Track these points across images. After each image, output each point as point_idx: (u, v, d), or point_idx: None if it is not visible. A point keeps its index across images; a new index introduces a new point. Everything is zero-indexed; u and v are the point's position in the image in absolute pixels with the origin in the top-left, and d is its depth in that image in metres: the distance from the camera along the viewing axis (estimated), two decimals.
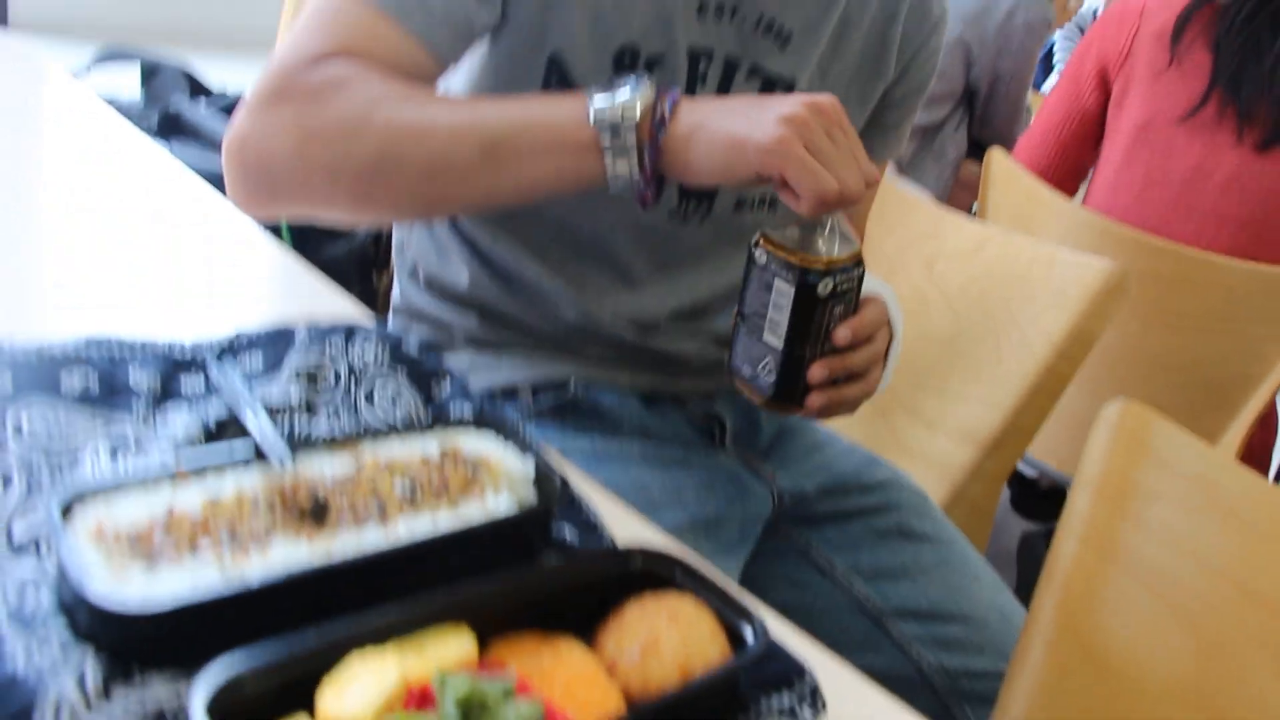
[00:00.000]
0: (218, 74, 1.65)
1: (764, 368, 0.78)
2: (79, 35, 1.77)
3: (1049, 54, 3.08)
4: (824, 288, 0.74)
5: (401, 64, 0.77)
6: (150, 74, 1.50)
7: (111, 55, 1.55)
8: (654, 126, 0.72)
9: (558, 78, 0.84)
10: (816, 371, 0.77)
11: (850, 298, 0.76)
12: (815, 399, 0.78)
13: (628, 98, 0.72)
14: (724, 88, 0.89)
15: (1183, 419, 1.65)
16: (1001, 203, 1.68)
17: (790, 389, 0.78)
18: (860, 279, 0.77)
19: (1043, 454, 1.75)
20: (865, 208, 1.09)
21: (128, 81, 1.58)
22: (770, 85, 0.90)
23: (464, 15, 0.79)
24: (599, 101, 0.73)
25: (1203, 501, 0.80)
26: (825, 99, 0.73)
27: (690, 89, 0.87)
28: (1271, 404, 1.89)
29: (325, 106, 0.73)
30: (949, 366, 1.20)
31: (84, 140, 1.17)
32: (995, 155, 1.68)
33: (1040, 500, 2.19)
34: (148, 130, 1.38)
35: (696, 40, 0.86)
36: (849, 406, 0.82)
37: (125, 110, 1.45)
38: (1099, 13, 2.95)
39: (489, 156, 0.74)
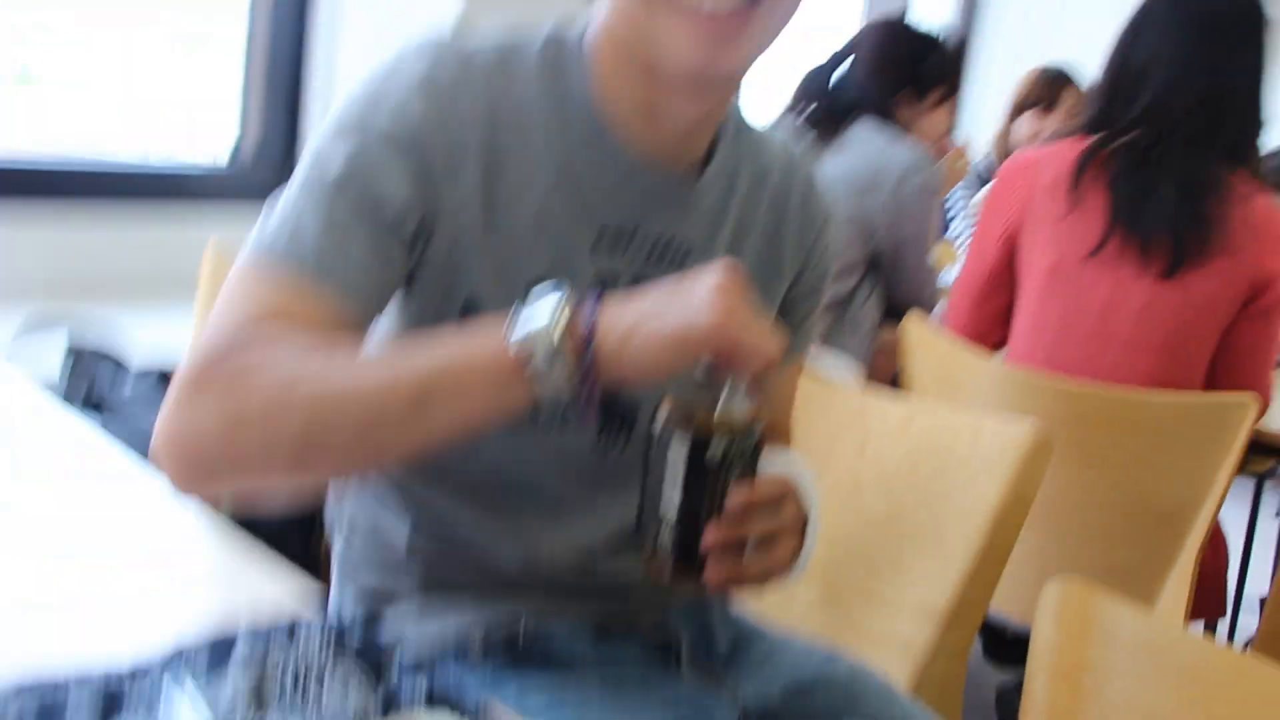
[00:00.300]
0: (143, 327, 1.66)
1: (663, 539, 0.76)
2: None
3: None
4: (715, 450, 0.73)
5: (325, 321, 0.78)
6: (75, 348, 1.51)
7: (36, 326, 1.57)
8: (581, 342, 0.72)
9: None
10: (709, 536, 0.74)
11: (748, 462, 0.75)
12: (713, 569, 0.75)
13: (546, 320, 0.72)
14: None
15: (1136, 551, 1.69)
16: (923, 367, 1.72)
17: (688, 559, 0.75)
18: (758, 444, 0.76)
19: (1004, 606, 1.74)
20: (788, 400, 1.11)
21: (52, 350, 1.59)
22: None
23: (378, 276, 0.81)
24: (517, 331, 0.72)
25: (1154, 669, 0.81)
26: (731, 270, 0.75)
27: None
28: (1216, 526, 1.92)
29: (247, 390, 0.74)
30: (896, 546, 1.20)
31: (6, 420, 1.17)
32: (911, 322, 1.73)
33: (1010, 646, 2.18)
34: (73, 404, 1.39)
35: (603, 266, 0.89)
36: (756, 581, 0.80)
37: (50, 384, 1.46)
38: (990, 160, 3.12)
39: (419, 405, 0.73)
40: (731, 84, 0.89)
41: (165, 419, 0.76)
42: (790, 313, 1.04)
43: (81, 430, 1.16)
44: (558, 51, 0.89)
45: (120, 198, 1.94)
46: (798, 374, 1.11)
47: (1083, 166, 1.69)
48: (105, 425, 1.33)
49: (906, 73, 2.16)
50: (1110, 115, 1.71)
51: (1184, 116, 1.65)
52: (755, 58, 0.84)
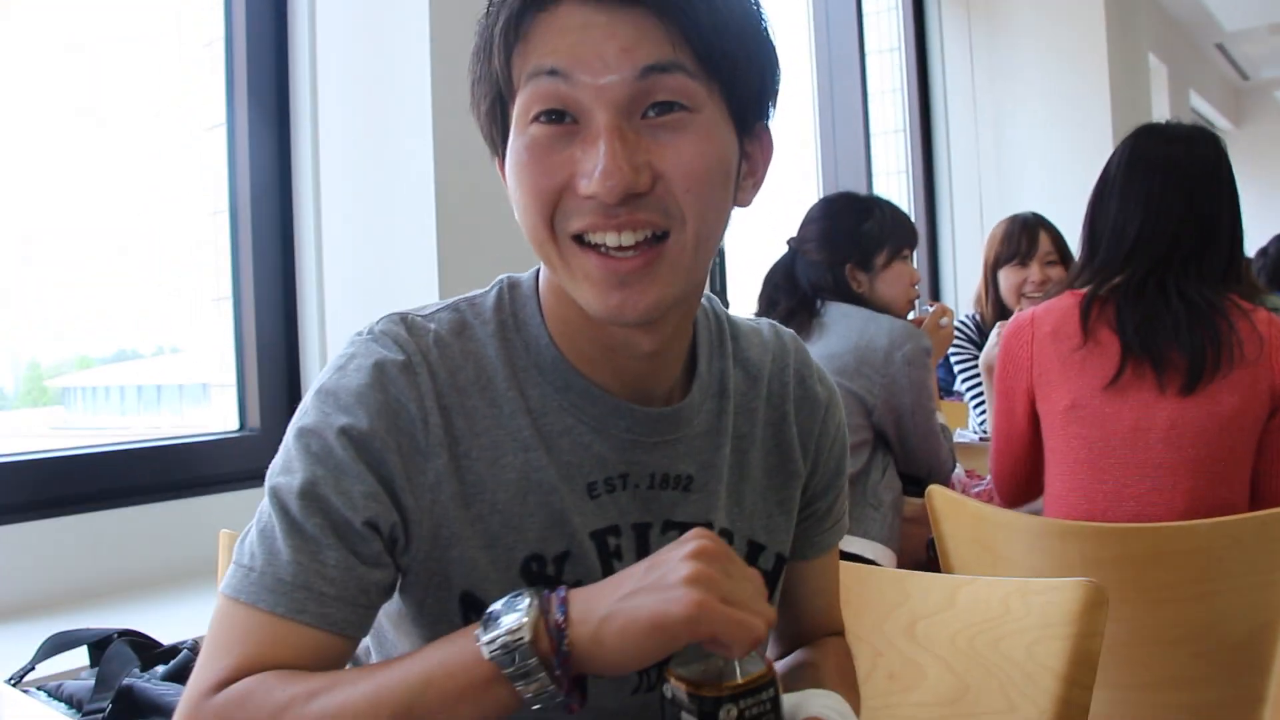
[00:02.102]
0: (166, 622, 1.63)
1: None
2: (10, 617, 1.75)
3: (946, 360, 3.22)
4: (727, 715, 0.70)
5: (310, 657, 0.75)
6: (97, 656, 1.48)
7: (55, 647, 1.53)
8: (553, 636, 0.70)
9: (475, 612, 0.82)
10: None
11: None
12: None
13: (513, 621, 0.70)
14: (643, 554, 0.87)
15: (1219, 688, 1.61)
16: (957, 535, 1.69)
17: None
18: (774, 700, 0.72)
19: None
20: (833, 588, 1.09)
21: (75, 664, 1.55)
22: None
23: (358, 587, 0.78)
24: (485, 636, 0.70)
25: None
26: (707, 541, 0.71)
27: (608, 568, 0.85)
28: None
29: None
30: None
31: None
32: (934, 493, 1.71)
33: None
34: (102, 716, 1.34)
35: (597, 523, 0.86)
36: None
37: (78, 699, 1.42)
38: (978, 317, 3.14)
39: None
40: (683, 308, 0.86)
41: None
42: (813, 505, 1.02)
43: None
44: (514, 301, 0.89)
45: (133, 495, 1.94)
46: (837, 559, 1.09)
47: (1087, 311, 1.73)
48: None
49: (848, 244, 2.21)
50: (1096, 267, 1.77)
51: (1168, 252, 1.70)
52: (677, 295, 0.81)
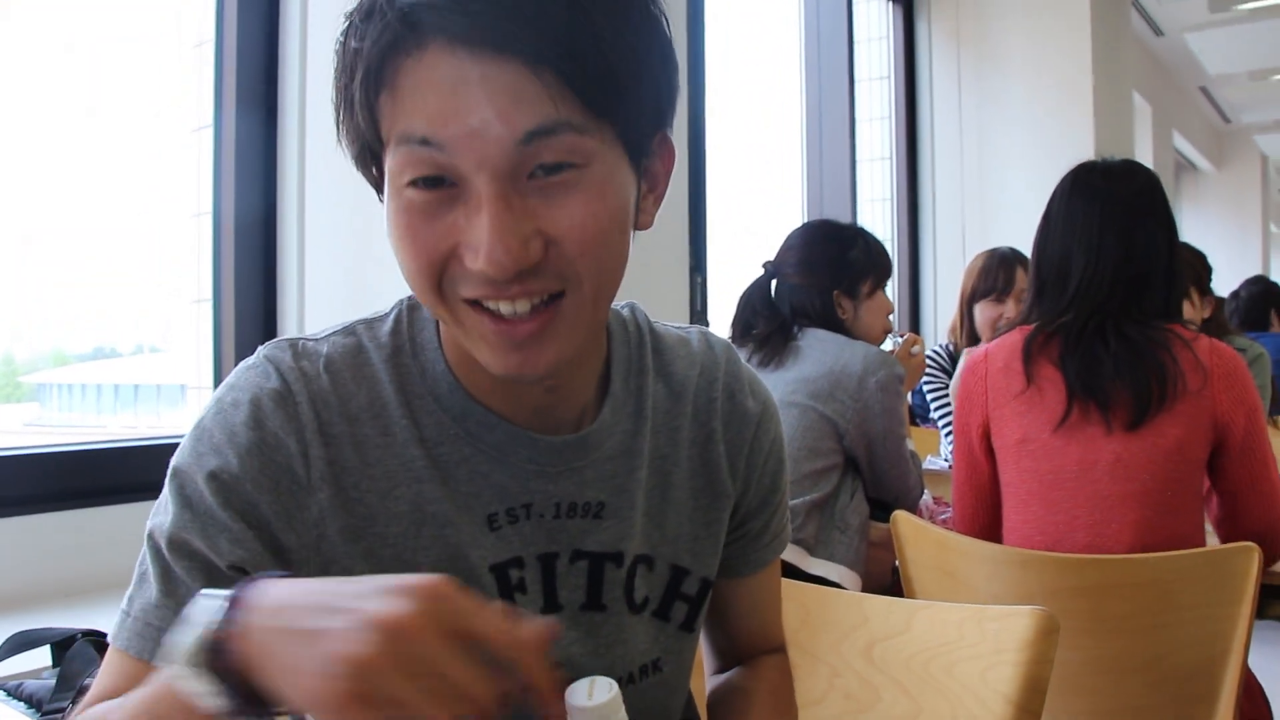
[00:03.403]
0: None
1: None
2: None
3: (920, 388, 3.25)
4: None
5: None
6: (59, 656, 1.48)
7: (17, 646, 1.53)
8: (219, 656, 0.59)
9: None
10: None
11: None
12: None
13: (187, 637, 0.61)
14: (549, 585, 0.84)
15: (1168, 716, 1.62)
16: (920, 560, 1.71)
17: None
18: None
19: None
20: (774, 602, 1.07)
21: (37, 664, 1.55)
22: (599, 563, 0.86)
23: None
24: (171, 650, 0.62)
25: None
26: (424, 592, 0.56)
27: (510, 604, 0.82)
28: (1250, 676, 1.87)
29: None
30: None
31: None
32: (899, 519, 1.73)
33: None
34: (62, 716, 1.34)
35: (497, 556, 0.82)
36: None
37: (38, 698, 1.42)
38: (950, 346, 3.18)
39: None
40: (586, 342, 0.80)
41: None
42: (747, 524, 0.98)
43: None
44: (412, 324, 0.85)
45: (104, 495, 1.94)
46: (778, 574, 1.06)
47: (1028, 352, 1.77)
48: None
49: (836, 271, 2.23)
50: (1043, 307, 1.81)
51: (1108, 295, 1.74)
52: (577, 347, 0.77)
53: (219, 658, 0.59)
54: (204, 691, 0.60)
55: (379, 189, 0.78)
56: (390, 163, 0.73)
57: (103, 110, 2.26)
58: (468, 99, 0.69)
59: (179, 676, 0.60)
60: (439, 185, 0.71)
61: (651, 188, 0.82)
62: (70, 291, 2.30)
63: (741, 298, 2.30)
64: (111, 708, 0.69)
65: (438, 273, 0.73)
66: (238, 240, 2.19)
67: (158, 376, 2.68)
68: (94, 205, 2.28)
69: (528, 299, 0.73)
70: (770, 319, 2.21)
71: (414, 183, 0.72)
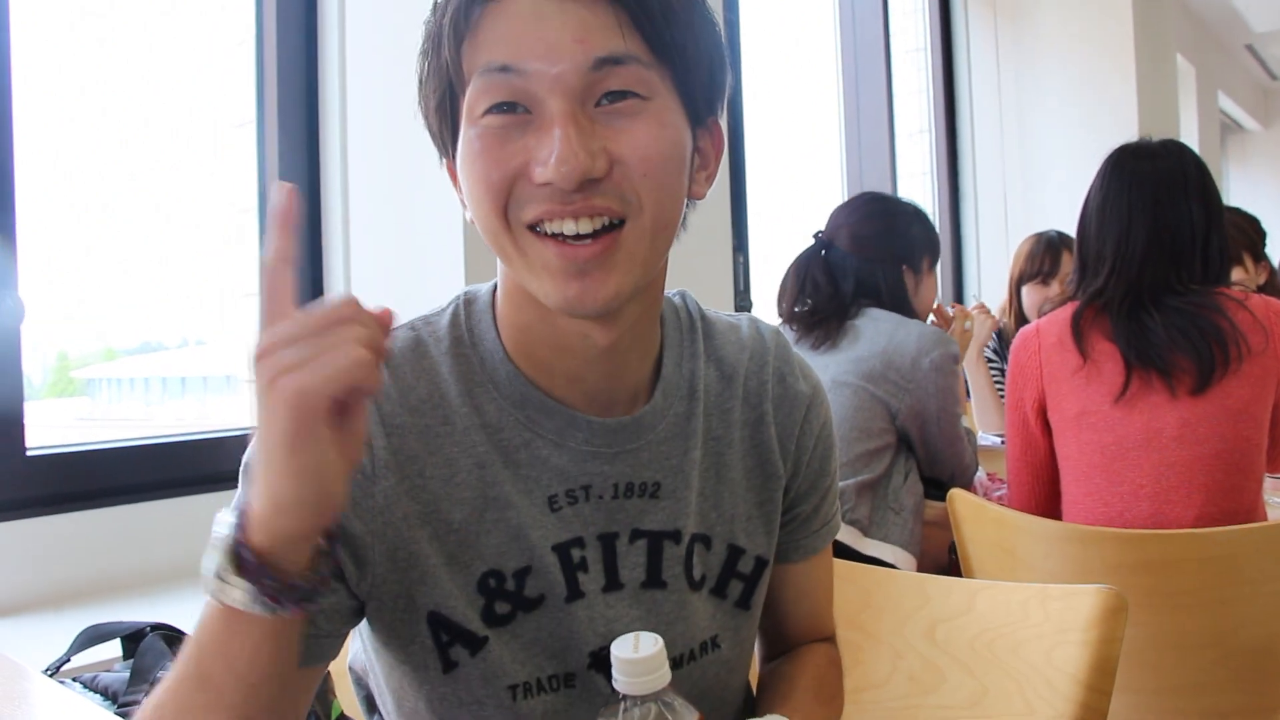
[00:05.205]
0: (195, 616, 1.66)
1: None
2: (43, 608, 1.78)
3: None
4: None
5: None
6: (130, 649, 1.51)
7: (90, 639, 1.56)
8: (237, 542, 0.67)
9: (445, 631, 0.83)
10: None
11: None
12: None
13: (213, 550, 0.68)
14: (610, 564, 0.87)
15: (1236, 694, 1.61)
16: (977, 539, 1.70)
17: None
18: None
19: None
20: (825, 589, 1.07)
21: (108, 656, 1.58)
22: (658, 542, 0.88)
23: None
24: (205, 569, 0.69)
25: None
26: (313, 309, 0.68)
27: (573, 581, 0.85)
28: None
29: None
30: None
31: None
32: (956, 497, 1.72)
33: None
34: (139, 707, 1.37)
35: (559, 536, 0.85)
36: None
37: (113, 691, 1.44)
38: (1006, 324, 3.17)
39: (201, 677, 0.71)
40: (642, 301, 0.84)
41: None
42: (798, 506, 0.99)
43: None
44: (469, 316, 0.88)
45: (164, 488, 1.97)
46: (828, 563, 1.07)
47: (1078, 328, 1.78)
48: None
49: (904, 246, 2.20)
50: (1085, 284, 1.83)
51: (1139, 271, 1.76)
52: (635, 283, 0.79)
53: (243, 560, 0.67)
54: (242, 596, 0.67)
55: (449, 148, 0.83)
56: (470, 96, 0.78)
57: (147, 107, 2.28)
58: (545, 28, 0.76)
59: (218, 592, 0.68)
60: (514, 111, 0.77)
61: (704, 164, 0.87)
62: (119, 286, 2.33)
63: (793, 268, 2.24)
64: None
65: (505, 195, 0.77)
66: None
67: (204, 369, 2.71)
68: (139, 201, 2.30)
69: (590, 219, 0.76)
70: (832, 295, 2.16)
71: (490, 110, 0.77)
